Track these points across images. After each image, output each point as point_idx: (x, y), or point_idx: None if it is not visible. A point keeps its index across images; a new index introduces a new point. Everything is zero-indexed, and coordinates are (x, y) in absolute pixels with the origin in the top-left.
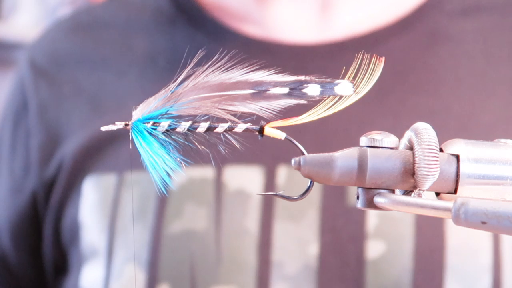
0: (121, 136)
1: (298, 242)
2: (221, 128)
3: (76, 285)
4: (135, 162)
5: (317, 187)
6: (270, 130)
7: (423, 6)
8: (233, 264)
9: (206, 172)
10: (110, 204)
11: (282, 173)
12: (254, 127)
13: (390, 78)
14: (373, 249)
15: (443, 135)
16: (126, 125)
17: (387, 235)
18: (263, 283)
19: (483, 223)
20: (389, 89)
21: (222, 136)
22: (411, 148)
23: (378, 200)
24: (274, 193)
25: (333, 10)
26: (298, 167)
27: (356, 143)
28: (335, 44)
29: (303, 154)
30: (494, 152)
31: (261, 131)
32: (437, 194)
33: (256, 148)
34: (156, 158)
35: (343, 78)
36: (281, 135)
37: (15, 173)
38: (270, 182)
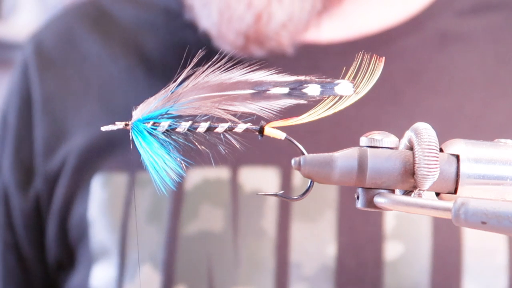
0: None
1: (316, 242)
2: (221, 128)
3: (85, 283)
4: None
5: (334, 187)
6: (270, 130)
7: (433, 5)
8: (251, 265)
9: (221, 173)
10: (122, 203)
11: (298, 174)
12: (254, 127)
13: (403, 78)
14: (391, 250)
15: (456, 136)
16: (126, 125)
17: (405, 236)
18: (281, 284)
19: (483, 223)
20: (403, 89)
21: (222, 136)
22: (411, 148)
23: (378, 200)
24: (274, 193)
25: (344, 9)
26: (298, 167)
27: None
28: (348, 43)
29: (303, 154)
30: (494, 152)
31: (261, 131)
32: (437, 194)
33: (272, 149)
34: (156, 158)
35: (343, 78)
36: (281, 135)
37: (22, 164)
38: (286, 183)
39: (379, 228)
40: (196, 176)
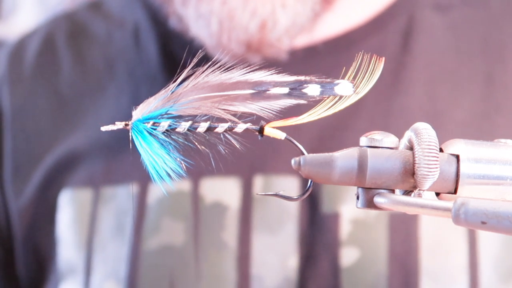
0: (96, 150)
1: (277, 254)
2: (221, 128)
3: None
4: (110, 176)
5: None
6: (270, 130)
7: (395, 4)
8: (213, 279)
9: (183, 184)
10: (87, 219)
11: (259, 183)
12: (254, 127)
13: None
14: (347, 256)
15: None
16: (126, 125)
17: (361, 241)
18: None
19: (483, 223)
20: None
21: (222, 136)
22: (411, 148)
23: (378, 200)
24: (274, 193)
25: None
26: (298, 167)
27: (329, 149)
28: (308, 49)
29: (303, 154)
30: (494, 152)
31: (261, 131)
32: (437, 194)
33: (232, 158)
34: (156, 158)
35: (343, 78)
36: (281, 135)
37: None
38: (247, 193)
39: (335, 235)
40: (158, 189)
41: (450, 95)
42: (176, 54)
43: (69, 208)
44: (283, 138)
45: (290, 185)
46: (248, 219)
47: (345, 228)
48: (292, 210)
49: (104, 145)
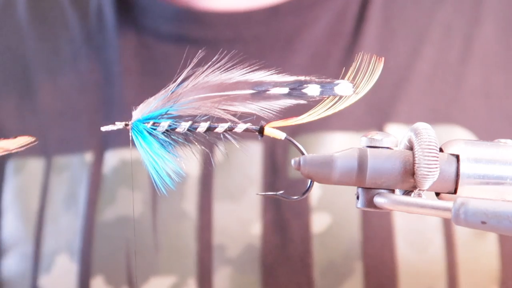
0: (48, 119)
1: (240, 222)
2: (221, 128)
3: None
4: (63, 145)
5: (256, 162)
6: (270, 130)
7: None
8: (172, 250)
9: (139, 153)
10: (38, 189)
11: (220, 149)
12: (254, 127)
13: (328, 40)
14: (318, 222)
15: (381, 91)
16: (126, 125)
17: (332, 206)
18: (204, 268)
19: (483, 223)
20: (326, 52)
21: (222, 136)
22: (411, 148)
23: (378, 200)
24: (274, 193)
25: None
26: (298, 167)
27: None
28: (270, 9)
29: (303, 154)
30: (494, 152)
31: (261, 131)
32: (437, 194)
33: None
34: (156, 158)
35: (343, 78)
36: (281, 135)
37: None
38: (207, 160)
39: (304, 200)
40: (114, 158)
41: (410, 46)
42: (135, 19)
43: (17, 178)
44: (283, 138)
45: (252, 149)
46: (209, 187)
47: (315, 193)
48: (255, 176)
49: (57, 112)
